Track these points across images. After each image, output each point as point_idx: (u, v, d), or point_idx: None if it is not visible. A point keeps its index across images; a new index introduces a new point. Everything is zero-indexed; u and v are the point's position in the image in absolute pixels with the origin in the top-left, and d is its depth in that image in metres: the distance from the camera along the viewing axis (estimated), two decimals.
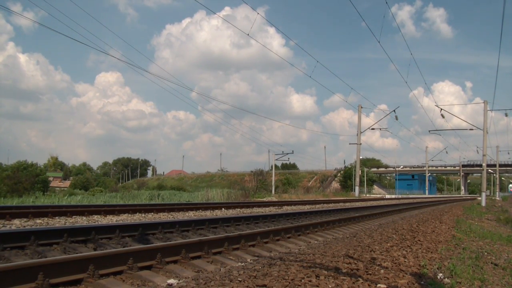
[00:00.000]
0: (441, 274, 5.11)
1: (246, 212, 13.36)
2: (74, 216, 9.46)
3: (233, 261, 5.26)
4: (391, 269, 4.94)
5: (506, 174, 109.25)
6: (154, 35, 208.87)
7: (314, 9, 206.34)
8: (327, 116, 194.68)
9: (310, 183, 79.21)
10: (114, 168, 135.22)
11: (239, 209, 14.32)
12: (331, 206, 19.71)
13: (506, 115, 34.08)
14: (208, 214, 12.13)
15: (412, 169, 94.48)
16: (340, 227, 9.92)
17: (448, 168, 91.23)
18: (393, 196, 55.98)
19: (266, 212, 13.61)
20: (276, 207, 16.95)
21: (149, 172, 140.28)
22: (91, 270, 3.83)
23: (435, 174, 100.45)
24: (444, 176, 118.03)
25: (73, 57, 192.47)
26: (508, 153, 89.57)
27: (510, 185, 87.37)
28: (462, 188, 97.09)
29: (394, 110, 36.01)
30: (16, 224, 7.78)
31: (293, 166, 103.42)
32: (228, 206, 14.87)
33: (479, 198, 36.72)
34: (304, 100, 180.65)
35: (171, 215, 11.26)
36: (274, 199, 28.87)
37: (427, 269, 5.30)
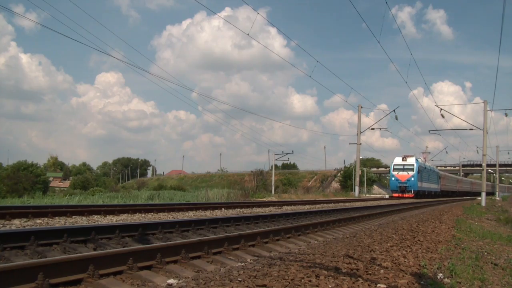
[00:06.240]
0: (441, 274, 5.11)
1: (246, 212, 13.36)
2: (74, 216, 9.46)
3: (233, 261, 5.26)
4: (391, 269, 4.94)
5: (506, 174, 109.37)
6: (155, 36, 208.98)
7: (315, 9, 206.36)
8: (327, 116, 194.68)
9: (310, 183, 79.16)
10: (114, 168, 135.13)
11: (239, 209, 14.32)
12: (331, 206, 19.71)
13: (506, 115, 34.06)
14: (208, 214, 12.13)
15: None
16: (340, 227, 9.92)
17: (448, 168, 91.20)
18: None
19: (266, 212, 13.61)
20: (276, 207, 16.95)
21: (149, 172, 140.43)
22: (91, 270, 3.83)
23: None
24: None
25: (75, 58, 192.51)
26: (508, 153, 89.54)
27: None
28: None
29: (394, 110, 35.53)
30: (16, 224, 7.77)
31: (293, 166, 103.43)
32: (228, 206, 14.86)
33: (479, 198, 36.72)
34: (305, 101, 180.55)
35: (171, 215, 11.26)
36: (274, 199, 28.87)
37: (427, 269, 5.31)
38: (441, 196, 49.66)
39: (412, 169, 39.17)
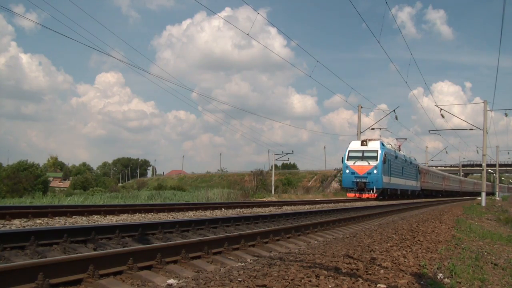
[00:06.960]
0: (441, 274, 5.11)
1: (246, 212, 13.36)
2: (74, 216, 9.45)
3: (233, 261, 5.26)
4: (391, 269, 4.94)
5: (506, 174, 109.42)
6: (155, 36, 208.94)
7: (315, 9, 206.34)
8: (327, 116, 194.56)
9: (310, 183, 79.09)
10: (114, 168, 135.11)
11: (239, 209, 14.31)
12: (331, 206, 19.69)
13: (506, 115, 34.09)
14: (208, 214, 12.13)
15: None
16: (340, 227, 9.92)
17: (448, 168, 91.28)
18: None
19: (266, 212, 13.60)
20: (276, 207, 16.94)
21: (149, 172, 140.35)
22: (91, 270, 3.83)
23: None
24: None
25: (75, 58, 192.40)
26: (508, 153, 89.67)
27: None
28: None
29: (394, 110, 35.02)
30: (16, 224, 7.77)
31: (293, 166, 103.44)
32: (228, 206, 14.86)
33: (479, 198, 36.73)
34: (305, 101, 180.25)
35: (171, 215, 11.25)
36: (274, 199, 28.87)
37: (427, 269, 5.31)
38: (422, 196, 38.19)
39: (375, 158, 26.25)
